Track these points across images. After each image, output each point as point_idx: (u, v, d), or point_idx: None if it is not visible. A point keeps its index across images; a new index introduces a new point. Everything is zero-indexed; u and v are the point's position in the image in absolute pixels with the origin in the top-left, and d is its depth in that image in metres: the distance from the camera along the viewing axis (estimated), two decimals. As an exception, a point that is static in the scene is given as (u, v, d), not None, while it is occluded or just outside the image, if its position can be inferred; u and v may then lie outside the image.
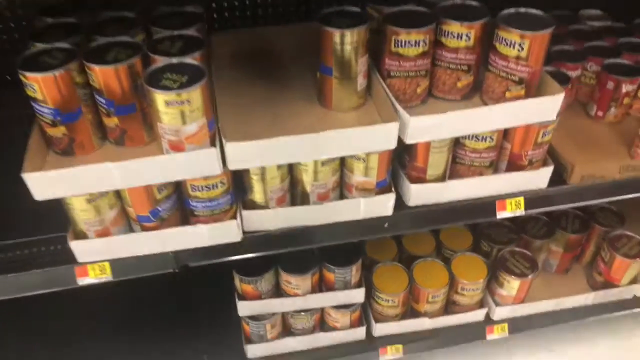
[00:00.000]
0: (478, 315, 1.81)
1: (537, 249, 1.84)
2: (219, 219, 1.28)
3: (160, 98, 1.05)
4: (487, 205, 1.42)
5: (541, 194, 1.44)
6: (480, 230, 1.86)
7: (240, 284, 1.59)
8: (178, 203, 1.28)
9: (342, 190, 1.36)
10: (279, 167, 1.25)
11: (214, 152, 1.14)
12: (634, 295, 1.88)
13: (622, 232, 1.81)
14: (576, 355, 2.01)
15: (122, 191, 1.21)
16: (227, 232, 1.29)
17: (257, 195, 1.30)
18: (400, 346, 1.80)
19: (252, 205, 1.31)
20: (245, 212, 1.30)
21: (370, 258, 1.80)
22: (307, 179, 1.28)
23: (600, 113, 1.61)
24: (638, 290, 1.85)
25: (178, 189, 1.25)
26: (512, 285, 1.73)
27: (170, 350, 1.80)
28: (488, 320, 1.83)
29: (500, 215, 1.43)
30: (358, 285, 1.66)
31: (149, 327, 1.89)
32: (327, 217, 1.34)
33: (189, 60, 1.14)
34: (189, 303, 1.96)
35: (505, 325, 1.83)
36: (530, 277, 1.71)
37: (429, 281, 1.71)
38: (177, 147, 1.12)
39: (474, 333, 1.84)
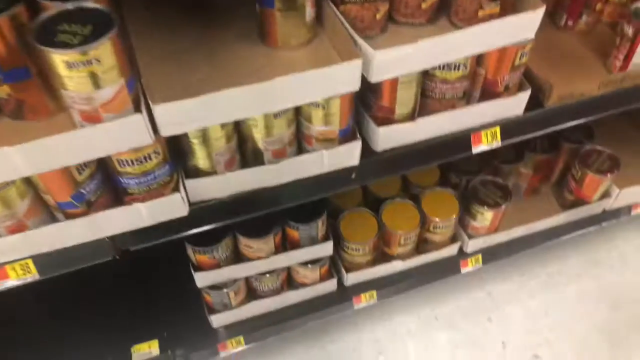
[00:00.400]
0: (451, 250, 1.72)
1: (507, 174, 1.75)
2: (158, 194, 1.07)
3: (58, 59, 0.81)
4: (461, 140, 1.28)
5: (518, 121, 1.30)
6: (446, 163, 1.73)
7: (195, 254, 1.41)
8: (106, 181, 1.06)
9: (300, 143, 1.17)
10: (223, 125, 1.04)
11: (140, 119, 0.92)
12: (603, 209, 1.84)
13: (593, 148, 1.73)
14: (547, 274, 1.99)
15: (32, 177, 0.98)
16: (169, 207, 1.09)
17: (201, 161, 1.09)
18: (374, 292, 1.70)
19: (197, 173, 1.11)
20: (189, 182, 1.10)
21: (334, 205, 1.65)
22: (258, 135, 1.08)
23: (570, 22, 1.45)
24: (607, 204, 1.81)
25: (103, 165, 1.03)
26: (485, 216, 1.63)
27: (129, 328, 1.63)
28: (462, 253, 1.75)
29: (477, 149, 1.30)
30: (325, 238, 1.52)
31: (105, 308, 1.70)
32: (286, 176, 1.16)
33: (90, 3, 0.88)
34: (144, 278, 1.77)
35: (479, 256, 1.76)
36: (503, 206, 1.61)
37: (400, 223, 1.58)
38: (91, 118, 0.89)
39: (448, 268, 1.76)
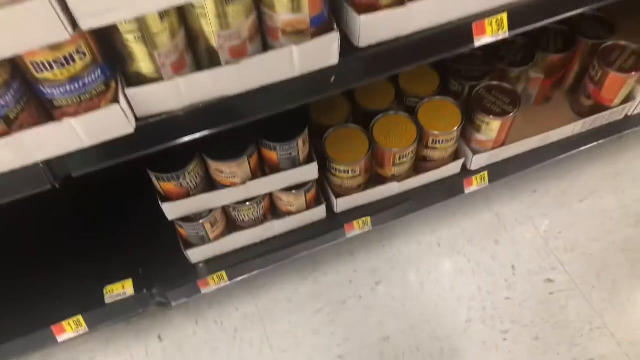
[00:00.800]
0: (454, 168, 1.54)
1: (514, 79, 1.53)
2: (93, 107, 0.88)
3: None
4: (461, 30, 1.06)
5: (529, 5, 1.07)
6: (447, 67, 1.52)
7: (159, 182, 1.24)
8: (28, 93, 0.86)
9: (264, 38, 0.96)
10: (163, 16, 0.83)
11: (47, 3, 0.71)
12: (625, 115, 1.63)
13: (615, 43, 1.50)
14: (560, 190, 1.82)
15: None
16: (109, 123, 0.90)
17: (142, 65, 0.89)
18: (367, 219, 1.54)
19: (139, 79, 0.91)
20: (130, 91, 0.90)
21: (318, 123, 1.46)
22: (209, 28, 0.88)
23: None
24: (630, 108, 1.60)
25: (16, 71, 0.83)
26: (491, 127, 1.43)
27: (100, 268, 1.49)
28: (465, 171, 1.57)
29: (480, 41, 1.08)
30: (308, 159, 1.34)
31: (72, 248, 1.55)
32: (250, 80, 0.96)
33: None
34: (112, 212, 1.61)
35: (485, 173, 1.57)
36: (512, 114, 1.41)
37: (394, 140, 1.39)
38: (-20, 4, 0.69)
39: (451, 189, 1.58)
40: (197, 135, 1.02)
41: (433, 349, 1.55)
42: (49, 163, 0.95)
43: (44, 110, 0.90)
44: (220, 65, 0.93)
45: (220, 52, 0.92)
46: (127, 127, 0.92)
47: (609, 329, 1.54)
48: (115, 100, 0.89)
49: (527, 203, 1.80)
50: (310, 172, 1.34)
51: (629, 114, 1.62)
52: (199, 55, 0.94)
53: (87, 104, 0.88)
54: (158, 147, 1.00)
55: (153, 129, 0.96)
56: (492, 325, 1.57)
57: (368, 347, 1.57)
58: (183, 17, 0.88)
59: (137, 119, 0.94)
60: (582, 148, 1.66)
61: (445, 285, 1.66)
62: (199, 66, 0.96)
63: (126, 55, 0.88)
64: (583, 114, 1.60)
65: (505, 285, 1.64)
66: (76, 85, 0.84)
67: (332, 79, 1.02)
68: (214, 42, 0.90)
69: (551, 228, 1.74)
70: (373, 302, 1.64)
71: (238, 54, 0.93)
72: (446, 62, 1.52)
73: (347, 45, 1.00)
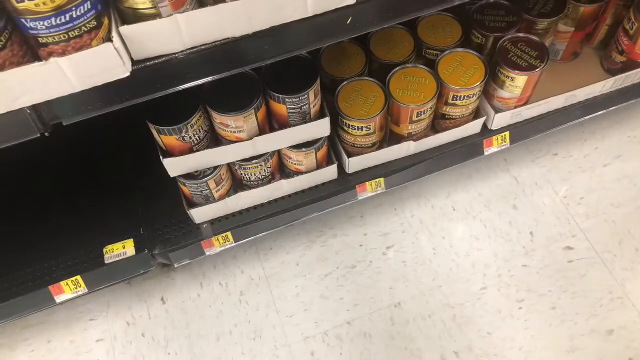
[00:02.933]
0: (474, 127, 1.44)
1: (541, 32, 1.42)
2: (83, 45, 0.79)
3: None
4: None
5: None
6: (469, 17, 1.41)
7: (160, 136, 1.16)
8: (9, 27, 0.77)
9: (274, -28, 0.86)
10: (159, -61, 0.74)
11: None
12: (658, 74, 1.52)
13: (653, -8, 1.38)
14: (582, 154, 1.72)
15: None
16: (101, 65, 0.81)
17: (138, -1, 0.80)
18: (381, 180, 1.45)
19: (135, 17, 0.82)
20: (125, 29, 0.81)
21: (330, 76, 1.36)
22: (212, -43, 0.78)
23: None
24: (664, 66, 1.49)
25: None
26: (516, 83, 1.33)
27: (100, 227, 1.42)
28: (485, 131, 1.48)
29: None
30: (320, 114, 1.25)
31: (71, 205, 1.48)
32: (257, 20, 0.87)
33: None
34: (113, 168, 1.53)
35: (507, 134, 1.48)
36: (539, 69, 1.31)
37: (412, 95, 1.30)
38: None
39: (469, 150, 1.49)
40: (200, 81, 0.93)
41: (445, 316, 1.49)
42: (36, 109, 0.86)
43: (30, 49, 0.81)
44: (225, 1, 0.83)
45: (224, -14, 0.82)
46: (121, 69, 0.84)
47: (630, 299, 1.48)
48: (108, 39, 0.80)
49: (547, 166, 1.71)
50: (321, 128, 1.25)
51: (664, 70, 1.51)
52: (201, -10, 0.85)
53: (76, 42, 0.79)
54: (156, 93, 0.92)
55: (151, 73, 0.88)
56: (508, 293, 1.51)
57: (378, 312, 1.51)
58: (183, -56, 0.78)
59: (133, 62, 0.85)
60: (611, 109, 1.55)
61: (460, 251, 1.58)
62: (201, 3, 0.86)
63: (117, -12, 0.79)
64: (614, 71, 1.49)
65: (522, 252, 1.57)
66: (62, 19, 0.75)
67: (349, 20, 0.92)
68: (217, -26, 0.80)
69: (572, 193, 1.65)
70: (383, 267, 1.58)
71: (245, -11, 0.83)
72: (468, 11, 1.41)
73: (366, -18, 0.90)
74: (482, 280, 1.53)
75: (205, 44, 0.88)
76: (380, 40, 1.39)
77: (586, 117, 1.56)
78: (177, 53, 0.87)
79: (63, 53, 0.79)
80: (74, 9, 0.75)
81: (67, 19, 0.75)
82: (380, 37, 1.40)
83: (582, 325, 1.45)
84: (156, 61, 0.87)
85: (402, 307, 1.51)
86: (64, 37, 0.78)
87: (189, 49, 0.87)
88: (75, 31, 0.78)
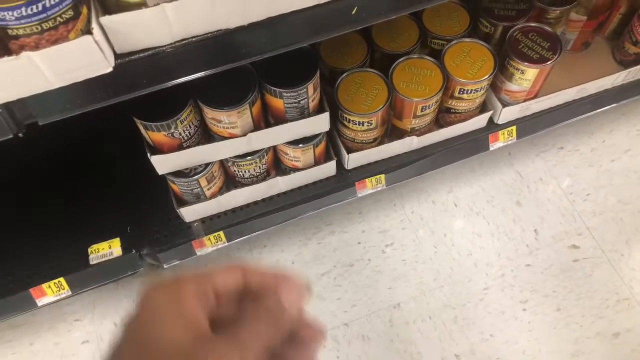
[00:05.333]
0: (480, 121, 1.37)
1: (553, 21, 1.34)
2: (60, 38, 0.71)
3: None
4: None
5: None
6: (477, 5, 1.33)
7: (147, 132, 1.07)
8: (-25, 19, 0.68)
9: (273, -44, 0.78)
10: None
11: None
12: (673, 66, 1.45)
13: (673, -19, 1.31)
14: (589, 148, 1.66)
15: None
16: (80, 59, 0.73)
17: (120, -15, 0.71)
18: (382, 176, 1.38)
19: (117, 6, 0.73)
20: (106, 20, 0.72)
21: (329, 67, 1.28)
22: (204, -61, 0.69)
23: None
24: (679, 58, 1.42)
25: (-44, -11, 0.65)
26: (527, 76, 1.26)
27: (85, 225, 1.34)
28: (491, 125, 1.41)
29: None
30: (319, 109, 1.17)
31: (54, 203, 1.40)
32: (254, 10, 0.78)
33: None
34: (98, 163, 1.44)
35: (514, 128, 1.41)
36: (551, 62, 1.24)
37: (416, 88, 1.22)
38: None
39: (474, 145, 1.42)
40: (190, 77, 0.85)
41: (446, 318, 1.43)
42: (8, 107, 0.78)
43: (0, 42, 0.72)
44: (218, -10, 0.75)
45: (218, -28, 0.73)
46: (103, 64, 0.75)
47: (638, 300, 1.43)
48: (88, 30, 0.71)
49: (553, 161, 1.64)
50: (320, 123, 1.17)
51: (678, 63, 1.44)
52: (191, -24, 0.76)
53: (51, 35, 0.70)
54: (143, 90, 0.83)
55: (136, 68, 0.79)
56: (511, 294, 1.45)
57: (376, 313, 1.45)
58: None
59: (116, 56, 0.77)
60: (622, 102, 1.49)
61: (461, 249, 1.52)
62: (191, -9, 0.77)
63: (99, -27, 0.70)
64: (627, 63, 1.42)
65: (526, 250, 1.51)
66: (34, 9, 0.66)
67: (355, 10, 0.84)
68: (210, -41, 0.72)
69: (578, 189, 1.59)
70: (383, 266, 1.52)
71: (240, -25, 0.74)
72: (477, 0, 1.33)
73: (373, -31, 0.81)
74: (484, 280, 1.48)
75: (196, 36, 0.79)
76: (383, 28, 1.30)
77: (596, 111, 1.50)
78: (165, 46, 0.79)
79: (36, 47, 0.70)
80: (47, -3, 0.66)
81: (40, 8, 0.67)
82: (383, 25, 1.31)
83: (587, 328, 1.40)
84: (142, 55, 0.78)
85: (402, 308, 1.45)
86: (37, 29, 0.69)
87: (178, 41, 0.79)
88: (50, 22, 0.69)
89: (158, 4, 0.73)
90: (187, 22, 0.77)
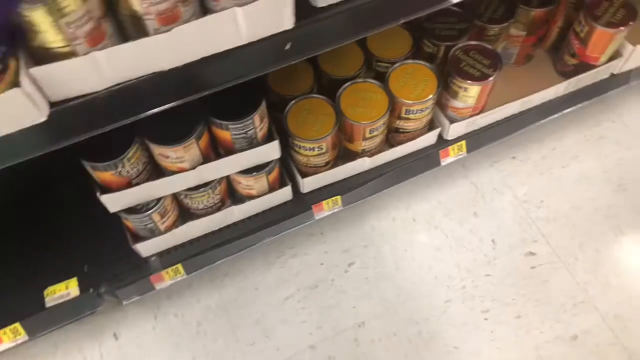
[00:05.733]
0: (429, 139, 1.40)
1: (493, 38, 1.39)
2: (-13, 93, 0.71)
3: None
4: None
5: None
6: (419, 27, 1.36)
7: (94, 172, 1.07)
8: None
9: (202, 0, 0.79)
10: (64, -27, 0.65)
11: None
12: (610, 74, 1.51)
13: (602, -6, 1.36)
14: (540, 156, 1.71)
15: None
16: (10, 111, 0.73)
17: (48, 37, 0.71)
18: (338, 198, 1.40)
19: (47, 57, 0.73)
20: (36, 71, 0.72)
21: (277, 94, 1.29)
22: (128, -12, 0.70)
23: None
24: (616, 66, 1.48)
25: None
26: (470, 93, 1.30)
27: (40, 268, 1.32)
28: (441, 141, 1.44)
29: (459, -4, 0.93)
30: (268, 137, 1.18)
31: (6, 247, 1.37)
32: (186, 51, 0.79)
33: None
34: (51, 204, 1.43)
35: (463, 143, 1.45)
36: (492, 78, 1.27)
37: (363, 111, 1.24)
38: None
39: (426, 161, 1.45)
40: (128, 120, 0.85)
41: (410, 333, 1.45)
42: (-60, 161, 0.77)
43: None
44: (149, 35, 0.76)
45: (146, 19, 0.74)
46: (36, 115, 0.75)
47: (593, 303, 1.47)
48: (15, 84, 0.71)
49: (506, 171, 1.69)
50: (270, 152, 1.18)
51: (615, 72, 1.50)
52: (122, 22, 0.77)
53: (-21, 89, 0.70)
54: (80, 136, 0.84)
55: (72, 115, 0.79)
56: (472, 305, 1.48)
57: (342, 334, 1.46)
58: (94, -25, 0.70)
59: (50, 104, 0.77)
60: (566, 111, 1.54)
61: (422, 264, 1.55)
62: (123, 35, 0.78)
63: (26, 26, 0.70)
64: (567, 73, 1.47)
65: (485, 260, 1.54)
66: (-41, 66, 0.66)
67: (288, 46, 0.86)
68: (137, 7, 0.73)
69: (532, 197, 1.64)
70: (346, 285, 1.53)
71: (169, 21, 0.75)
72: (418, 19, 1.36)
73: (303, 6, 0.83)
74: (445, 292, 1.50)
75: (130, 80, 0.80)
76: (329, 54, 1.32)
77: (542, 121, 1.54)
78: (100, 91, 0.79)
79: (-36, 102, 0.70)
80: (-29, 53, 0.66)
81: (-35, 65, 0.67)
82: (328, 51, 1.33)
83: (547, 333, 1.43)
84: (77, 101, 0.79)
85: (367, 327, 1.46)
86: (-37, 84, 0.69)
87: (112, 86, 0.79)
88: (-24, 77, 0.69)
89: (89, 52, 0.74)
90: (119, 67, 0.77)
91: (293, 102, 1.25)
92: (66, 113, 0.78)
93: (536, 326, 1.44)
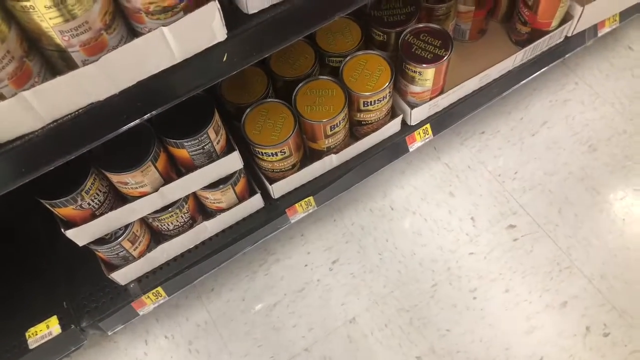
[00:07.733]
0: (393, 127, 1.39)
1: (443, 17, 1.38)
2: None
3: None
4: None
5: None
6: (366, 16, 1.35)
7: (55, 209, 1.05)
8: None
9: (129, 25, 0.77)
10: (-27, 18, 0.64)
11: None
12: (564, 37, 1.51)
13: (544, -40, 1.35)
14: (509, 128, 1.70)
15: None
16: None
17: (-30, 83, 0.69)
18: (310, 199, 1.39)
19: (-26, 103, 0.72)
20: (-36, 119, 0.70)
21: (232, 103, 1.28)
22: (45, 23, 0.68)
23: None
24: (569, 29, 1.48)
25: None
26: (425, 76, 1.29)
27: (18, 310, 1.30)
28: (406, 128, 1.43)
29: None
30: (227, 149, 1.17)
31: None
32: (120, 78, 0.78)
33: None
34: (21, 245, 1.41)
35: (428, 126, 1.44)
36: (445, 58, 1.26)
37: (321, 109, 1.23)
38: None
39: (393, 150, 1.44)
40: (72, 155, 0.83)
41: (402, 322, 1.45)
42: None
43: None
44: (77, 67, 0.74)
45: (71, 50, 0.72)
46: (-30, 162, 0.73)
47: (578, 267, 1.47)
48: (-57, 135, 0.70)
49: (477, 147, 1.68)
50: (232, 163, 1.17)
51: (569, 34, 1.50)
52: (48, 57, 0.75)
53: None
54: (23, 179, 0.82)
55: (11, 158, 0.78)
56: (459, 286, 1.48)
57: (334, 332, 1.45)
58: (9, 13, 0.68)
59: (-15, 147, 0.75)
60: (526, 80, 1.53)
61: (405, 252, 1.54)
62: (53, 72, 0.76)
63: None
64: (522, 42, 1.47)
65: (467, 239, 1.54)
66: None
67: (225, 58, 0.84)
68: (59, 40, 0.71)
69: (506, 170, 1.63)
70: (332, 284, 1.52)
71: (94, 50, 0.74)
72: (365, 9, 1.35)
73: (234, 15, 0.82)
74: (431, 277, 1.50)
75: (68, 114, 0.78)
76: (280, 56, 1.31)
77: (505, 93, 1.54)
78: (37, 131, 0.77)
79: None
80: None
81: None
82: (279, 53, 1.32)
83: (536, 304, 1.44)
84: (15, 144, 0.77)
85: (358, 322, 1.46)
86: None
87: (50, 123, 0.78)
88: None
89: (16, 93, 0.72)
90: (53, 104, 0.76)
91: (249, 109, 1.24)
92: (5, 157, 0.77)
93: (525, 298, 1.45)
